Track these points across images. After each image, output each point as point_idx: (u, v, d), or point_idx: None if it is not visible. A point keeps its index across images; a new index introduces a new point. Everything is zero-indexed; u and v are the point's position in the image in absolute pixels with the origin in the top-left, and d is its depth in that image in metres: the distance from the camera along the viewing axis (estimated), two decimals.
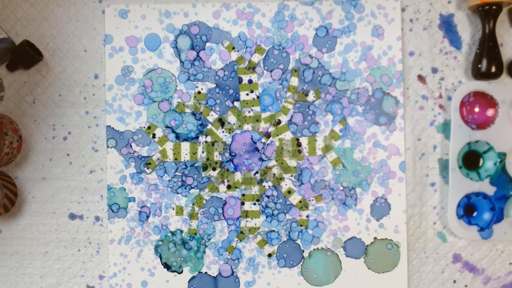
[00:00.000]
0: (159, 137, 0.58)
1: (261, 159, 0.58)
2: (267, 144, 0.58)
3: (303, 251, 0.58)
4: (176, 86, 0.58)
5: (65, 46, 0.59)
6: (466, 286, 0.58)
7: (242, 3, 0.58)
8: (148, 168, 0.58)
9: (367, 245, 0.58)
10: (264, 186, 0.58)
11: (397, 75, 0.57)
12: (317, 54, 0.57)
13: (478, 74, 0.55)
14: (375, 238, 0.57)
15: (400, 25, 0.57)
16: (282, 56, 0.58)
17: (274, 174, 0.58)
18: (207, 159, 0.58)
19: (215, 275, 0.58)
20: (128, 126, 0.58)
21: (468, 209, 0.57)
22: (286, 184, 0.58)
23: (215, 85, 0.58)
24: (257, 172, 0.58)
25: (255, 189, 0.58)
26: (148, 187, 0.58)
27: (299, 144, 0.58)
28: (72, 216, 0.59)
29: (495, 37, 0.55)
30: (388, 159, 0.57)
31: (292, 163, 0.58)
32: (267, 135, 0.58)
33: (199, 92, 0.58)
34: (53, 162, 0.59)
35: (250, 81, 0.58)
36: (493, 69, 0.55)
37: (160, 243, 0.58)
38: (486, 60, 0.55)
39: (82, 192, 0.59)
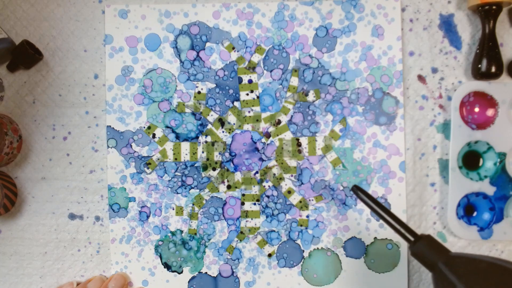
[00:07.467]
0: (159, 137, 0.58)
1: (261, 159, 0.58)
2: (267, 144, 0.58)
3: (303, 251, 0.58)
4: (176, 86, 0.58)
5: (65, 46, 0.59)
6: None
7: (242, 3, 0.58)
8: (148, 168, 0.58)
9: (367, 245, 0.58)
10: (264, 186, 0.58)
11: (397, 75, 0.57)
12: (317, 54, 0.57)
13: (478, 74, 0.55)
14: (375, 238, 0.57)
15: (400, 25, 0.57)
16: (282, 56, 0.58)
17: (274, 174, 0.58)
18: (207, 159, 0.58)
19: (215, 275, 0.58)
20: (128, 126, 0.58)
21: (468, 209, 0.57)
22: (286, 184, 0.58)
23: (215, 85, 0.58)
24: (257, 172, 0.58)
25: (255, 189, 0.58)
26: (148, 187, 0.58)
27: (299, 144, 0.58)
28: (72, 216, 0.59)
29: (495, 37, 0.55)
30: (388, 159, 0.57)
31: (292, 163, 0.58)
32: (267, 135, 0.58)
33: (199, 92, 0.58)
34: (53, 162, 0.59)
35: (250, 81, 0.58)
36: (493, 69, 0.55)
37: (160, 243, 0.58)
38: (486, 60, 0.55)
39: (82, 192, 0.59)
